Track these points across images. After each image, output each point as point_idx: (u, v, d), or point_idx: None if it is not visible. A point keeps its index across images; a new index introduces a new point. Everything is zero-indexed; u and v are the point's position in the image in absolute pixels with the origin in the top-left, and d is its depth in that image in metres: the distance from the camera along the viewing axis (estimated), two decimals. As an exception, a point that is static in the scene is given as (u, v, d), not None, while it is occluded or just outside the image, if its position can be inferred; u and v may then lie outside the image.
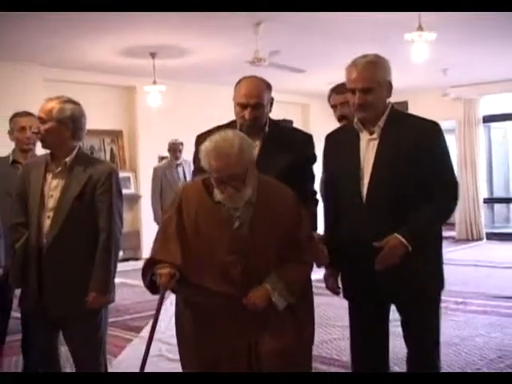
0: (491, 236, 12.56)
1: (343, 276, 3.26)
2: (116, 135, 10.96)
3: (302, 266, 2.93)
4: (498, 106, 12.63)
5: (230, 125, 3.37)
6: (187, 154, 8.72)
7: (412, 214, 2.95)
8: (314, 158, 3.47)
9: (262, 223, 2.84)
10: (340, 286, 3.27)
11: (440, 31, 6.68)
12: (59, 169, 3.34)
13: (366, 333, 3.21)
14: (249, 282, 2.81)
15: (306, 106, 13.43)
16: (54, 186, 3.34)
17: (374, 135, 3.10)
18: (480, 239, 12.24)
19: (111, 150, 10.91)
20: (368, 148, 3.10)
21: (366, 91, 3.01)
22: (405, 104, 11.87)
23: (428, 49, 6.49)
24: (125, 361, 4.96)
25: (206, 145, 2.80)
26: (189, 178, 8.28)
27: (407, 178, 2.99)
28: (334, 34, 7.84)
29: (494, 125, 13.07)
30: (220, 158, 2.72)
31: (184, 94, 10.81)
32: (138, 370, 4.53)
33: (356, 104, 3.05)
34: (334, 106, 4.14)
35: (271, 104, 3.34)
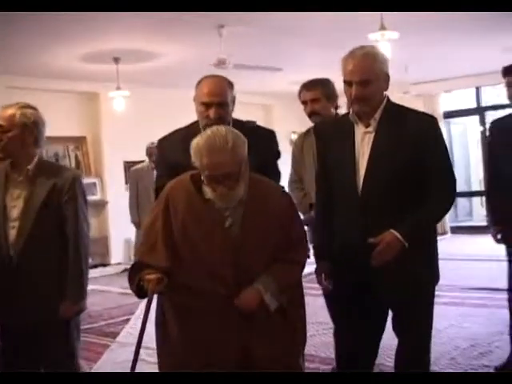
0: (455, 230, 12.74)
1: (336, 271, 3.13)
2: (80, 141, 10.87)
3: (294, 266, 2.83)
4: (458, 101, 12.86)
5: (192, 126, 3.34)
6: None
7: (409, 210, 2.87)
8: (278, 154, 3.44)
9: (253, 222, 2.72)
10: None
11: (402, 30, 6.78)
12: (21, 178, 3.23)
13: (356, 329, 3.11)
14: (240, 283, 2.70)
15: (269, 107, 13.47)
16: (16, 196, 3.22)
17: (370, 128, 3.00)
18: (445, 233, 12.41)
19: (76, 156, 10.83)
20: (363, 141, 3.01)
21: (363, 84, 2.90)
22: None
23: (390, 47, 6.58)
24: (103, 366, 4.95)
25: (198, 141, 2.67)
26: None
27: (404, 172, 2.90)
28: (296, 35, 7.90)
29: (453, 120, 13.27)
30: (213, 155, 2.59)
31: (148, 98, 10.76)
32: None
33: (353, 97, 2.94)
34: (304, 103, 4.14)
35: (233, 102, 3.29)
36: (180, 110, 10.72)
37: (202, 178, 2.68)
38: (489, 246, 4.33)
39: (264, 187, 2.84)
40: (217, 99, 3.17)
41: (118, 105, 9.69)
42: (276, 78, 10.62)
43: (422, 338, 3.07)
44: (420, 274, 2.96)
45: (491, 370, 4.30)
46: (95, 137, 10.97)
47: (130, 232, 8.87)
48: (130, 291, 7.83)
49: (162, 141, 3.45)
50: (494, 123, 4.43)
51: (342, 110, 4.13)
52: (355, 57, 2.93)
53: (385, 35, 6.60)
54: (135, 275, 2.76)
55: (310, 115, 4.11)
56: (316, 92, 4.11)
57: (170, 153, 3.34)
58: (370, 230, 2.88)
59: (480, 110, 12.50)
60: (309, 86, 4.15)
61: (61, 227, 3.23)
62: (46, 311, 3.16)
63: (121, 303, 7.45)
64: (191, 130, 3.23)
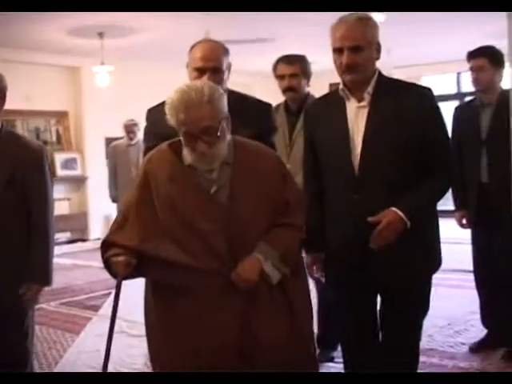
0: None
1: (329, 260, 2.95)
2: (62, 116, 10.83)
3: (293, 231, 2.56)
4: (439, 86, 12.96)
5: None
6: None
7: (410, 188, 2.70)
8: (274, 129, 3.29)
9: (242, 186, 2.49)
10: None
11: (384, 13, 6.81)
12: None
13: (355, 323, 2.96)
14: (236, 255, 2.45)
15: (247, 87, 13.42)
16: None
17: (363, 102, 2.79)
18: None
19: (57, 130, 10.79)
20: (357, 117, 2.79)
21: (355, 50, 2.69)
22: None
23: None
24: (87, 338, 5.03)
25: (172, 96, 2.45)
26: (141, 159, 8.34)
27: (403, 149, 2.71)
28: (287, 16, 7.89)
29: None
30: (189, 109, 2.38)
31: (131, 74, 10.71)
32: (100, 347, 4.63)
33: (344, 64, 2.72)
34: (281, 77, 4.03)
35: (229, 70, 3.08)
36: (163, 86, 10.77)
37: (181, 138, 2.48)
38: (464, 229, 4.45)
39: (251, 148, 2.61)
40: (211, 64, 2.97)
41: (101, 80, 9.65)
42: (257, 57, 10.61)
43: (413, 328, 2.95)
44: (416, 261, 2.79)
45: (467, 347, 4.45)
46: (77, 112, 10.94)
47: (110, 208, 8.89)
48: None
49: (151, 111, 3.23)
50: (456, 110, 4.51)
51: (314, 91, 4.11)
52: (347, 21, 2.74)
53: (376, 16, 6.56)
54: (103, 254, 2.56)
55: (286, 90, 4.02)
56: (296, 67, 4.04)
57: (160, 123, 3.00)
58: (369, 212, 2.66)
59: (460, 96, 12.60)
60: (289, 60, 4.06)
61: (25, 204, 3.06)
62: (6, 296, 3.01)
63: (101, 277, 7.39)
64: None
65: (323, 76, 7.81)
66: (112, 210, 9.06)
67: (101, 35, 8.72)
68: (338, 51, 2.75)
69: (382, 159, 2.73)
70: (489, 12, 4.03)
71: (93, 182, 10.66)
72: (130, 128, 8.42)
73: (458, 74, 12.48)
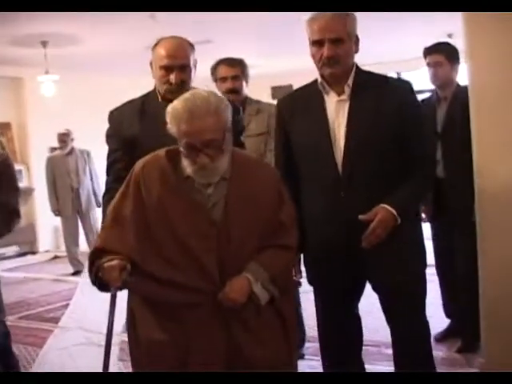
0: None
1: (310, 260, 2.91)
2: (4, 127, 10.59)
3: (286, 252, 2.47)
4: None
5: (149, 95, 3.08)
6: (83, 143, 8.70)
7: (395, 184, 2.66)
8: (242, 127, 3.25)
9: (237, 203, 2.39)
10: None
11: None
12: None
13: (337, 322, 2.93)
14: (226, 273, 2.37)
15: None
16: None
17: (343, 96, 2.74)
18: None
19: (0, 142, 10.55)
20: (338, 111, 2.73)
21: (336, 42, 2.65)
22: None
23: None
24: (50, 351, 4.95)
25: (175, 105, 2.33)
26: (81, 166, 8.49)
27: (386, 143, 2.68)
28: (230, 20, 7.90)
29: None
30: (194, 120, 2.26)
31: (75, 84, 10.50)
32: (65, 360, 4.56)
33: (325, 57, 2.66)
34: (222, 79, 4.01)
35: (195, 67, 3.01)
36: (109, 96, 10.70)
37: (181, 149, 2.35)
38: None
39: (249, 163, 2.53)
40: (178, 62, 2.89)
41: (46, 89, 9.45)
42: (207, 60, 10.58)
43: (419, 319, 2.93)
44: (407, 258, 2.78)
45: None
46: (20, 123, 10.71)
47: (59, 219, 8.77)
48: (62, 278, 7.84)
49: (113, 112, 3.12)
50: None
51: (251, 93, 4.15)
52: (326, 14, 2.68)
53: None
54: (93, 264, 2.40)
55: (228, 92, 3.98)
56: (237, 69, 4.06)
57: (124, 125, 3.04)
58: (357, 210, 2.62)
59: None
60: (230, 62, 4.06)
61: None
62: None
63: (55, 290, 7.44)
64: (148, 100, 3.02)
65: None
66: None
67: (44, 44, 8.54)
68: (317, 44, 2.70)
69: (366, 154, 2.67)
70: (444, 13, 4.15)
71: (39, 193, 10.42)
72: (60, 138, 8.51)
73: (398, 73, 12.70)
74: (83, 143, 8.77)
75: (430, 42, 4.33)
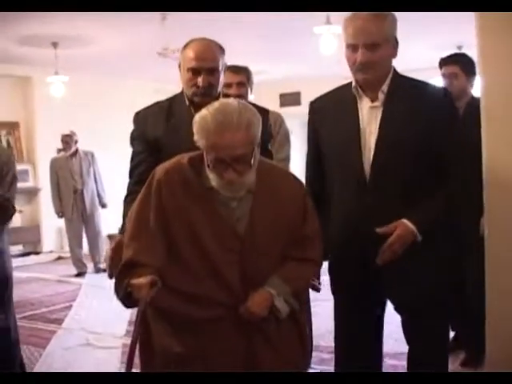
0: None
1: (335, 268, 2.80)
2: (12, 127, 10.63)
3: (309, 266, 2.43)
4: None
5: (176, 98, 2.99)
6: (90, 145, 8.71)
7: (424, 194, 2.54)
8: (270, 135, 3.16)
9: (262, 217, 2.31)
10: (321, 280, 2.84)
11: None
12: None
13: (358, 333, 2.80)
14: (247, 286, 2.31)
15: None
16: None
17: (377, 102, 2.61)
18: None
19: (8, 141, 10.57)
20: (370, 117, 2.61)
21: (371, 47, 2.50)
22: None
23: (336, 42, 6.59)
24: (53, 351, 4.92)
25: (205, 116, 2.19)
26: (85, 168, 8.46)
27: (418, 153, 2.54)
28: (239, 26, 7.92)
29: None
30: (224, 134, 2.13)
31: (84, 85, 10.54)
32: (69, 361, 4.57)
33: (358, 62, 2.53)
34: (227, 85, 3.91)
35: (224, 71, 2.94)
36: (117, 98, 10.77)
37: (206, 161, 2.24)
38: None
39: (275, 175, 2.42)
40: (207, 65, 2.80)
41: (56, 90, 9.47)
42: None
43: (440, 341, 2.80)
44: (430, 275, 2.62)
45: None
46: (28, 122, 10.73)
47: (63, 220, 8.78)
48: (66, 279, 7.84)
49: (139, 114, 3.05)
50: None
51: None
52: (363, 15, 2.52)
53: (330, 29, 6.63)
54: (125, 278, 2.25)
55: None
56: (243, 76, 4.06)
57: (150, 127, 2.98)
58: (381, 221, 2.53)
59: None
60: (236, 69, 4.05)
61: None
62: None
63: (59, 291, 7.42)
64: (175, 103, 2.97)
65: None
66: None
67: (55, 45, 8.57)
68: (351, 48, 2.56)
69: (396, 163, 2.56)
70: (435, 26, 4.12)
71: (45, 193, 10.43)
72: (63, 139, 8.54)
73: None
74: (90, 145, 8.81)
75: (439, 54, 4.27)
